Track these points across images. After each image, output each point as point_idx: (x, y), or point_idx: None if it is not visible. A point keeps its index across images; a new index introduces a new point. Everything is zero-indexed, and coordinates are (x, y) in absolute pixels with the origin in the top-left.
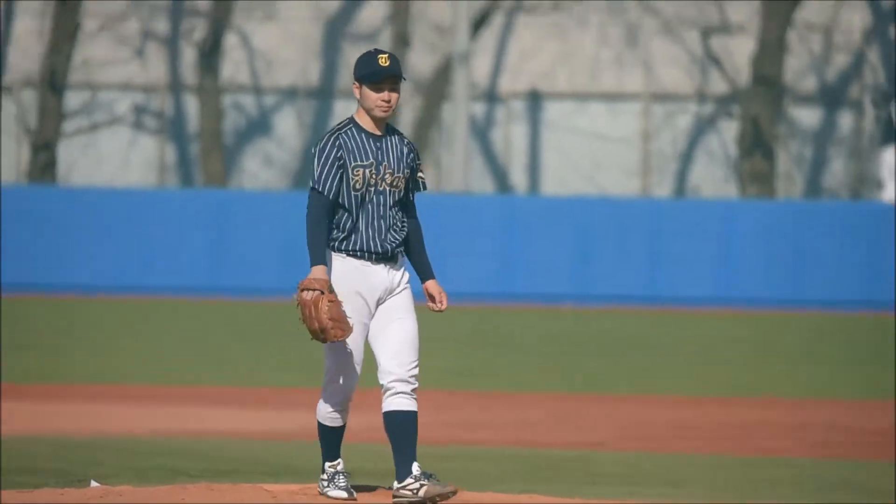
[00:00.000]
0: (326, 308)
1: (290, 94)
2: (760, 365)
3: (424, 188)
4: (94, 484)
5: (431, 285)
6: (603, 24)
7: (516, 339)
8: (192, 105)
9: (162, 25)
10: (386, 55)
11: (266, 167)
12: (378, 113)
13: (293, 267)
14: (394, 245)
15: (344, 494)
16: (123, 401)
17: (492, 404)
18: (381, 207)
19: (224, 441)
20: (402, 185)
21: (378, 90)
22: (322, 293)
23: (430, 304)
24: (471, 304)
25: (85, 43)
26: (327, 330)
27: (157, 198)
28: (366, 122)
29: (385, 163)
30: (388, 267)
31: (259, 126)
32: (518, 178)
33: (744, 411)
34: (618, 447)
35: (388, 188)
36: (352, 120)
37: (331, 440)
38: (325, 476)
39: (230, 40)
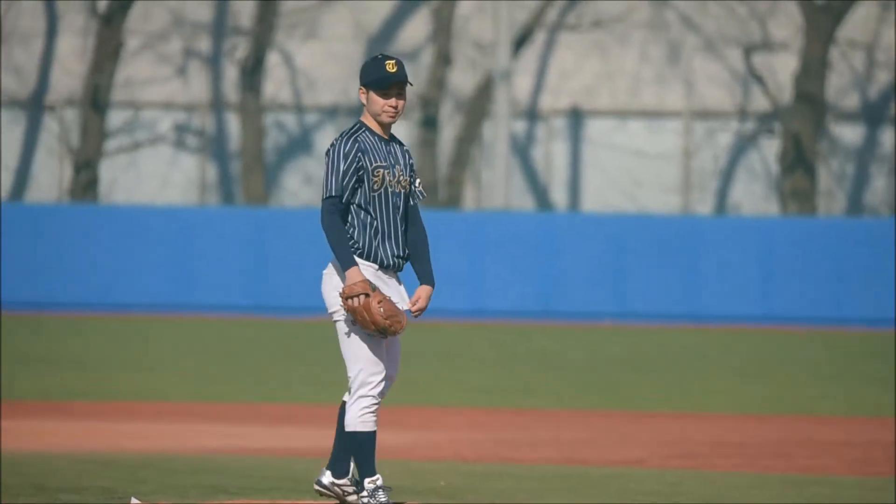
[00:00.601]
0: (378, 309)
1: (332, 112)
2: (801, 383)
3: (423, 196)
4: (134, 501)
5: (424, 289)
6: (644, 42)
7: (556, 356)
8: (233, 123)
9: (204, 44)
10: (393, 61)
11: (307, 186)
12: (385, 119)
13: None
14: (407, 250)
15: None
16: (165, 418)
17: (531, 422)
18: (398, 210)
19: (264, 459)
20: (408, 188)
21: (385, 96)
22: (367, 295)
23: (409, 301)
24: (510, 321)
25: (127, 62)
26: (387, 329)
27: (198, 216)
28: (374, 127)
29: (398, 165)
30: (398, 274)
31: (300, 144)
32: (558, 195)
33: (785, 429)
34: (658, 465)
35: (401, 190)
36: (362, 123)
37: (365, 450)
38: (364, 494)
39: (272, 59)
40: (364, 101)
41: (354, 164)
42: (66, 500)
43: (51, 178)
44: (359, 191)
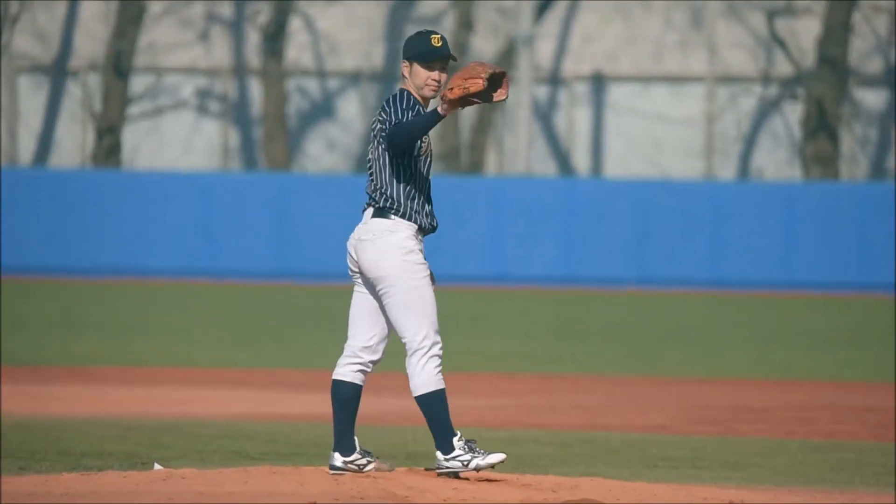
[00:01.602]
0: (472, 77)
1: (354, 77)
2: (823, 348)
3: None
4: (157, 466)
5: None
6: (667, 7)
7: (578, 322)
8: (255, 89)
9: (226, 9)
10: (438, 36)
11: (329, 151)
12: (427, 92)
13: None
14: (436, 220)
15: (501, 456)
16: (188, 384)
17: (553, 387)
18: (428, 177)
19: (287, 424)
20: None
21: (429, 69)
22: (449, 97)
23: None
24: (532, 286)
25: (149, 27)
26: (482, 84)
27: (220, 182)
28: (418, 98)
29: (429, 137)
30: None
31: (323, 110)
32: (581, 160)
33: (808, 395)
34: (680, 430)
35: (430, 160)
36: (409, 92)
37: (446, 406)
38: (458, 452)
39: (294, 24)
40: (407, 74)
41: (411, 114)
42: (90, 464)
43: (73, 144)
44: (407, 157)
